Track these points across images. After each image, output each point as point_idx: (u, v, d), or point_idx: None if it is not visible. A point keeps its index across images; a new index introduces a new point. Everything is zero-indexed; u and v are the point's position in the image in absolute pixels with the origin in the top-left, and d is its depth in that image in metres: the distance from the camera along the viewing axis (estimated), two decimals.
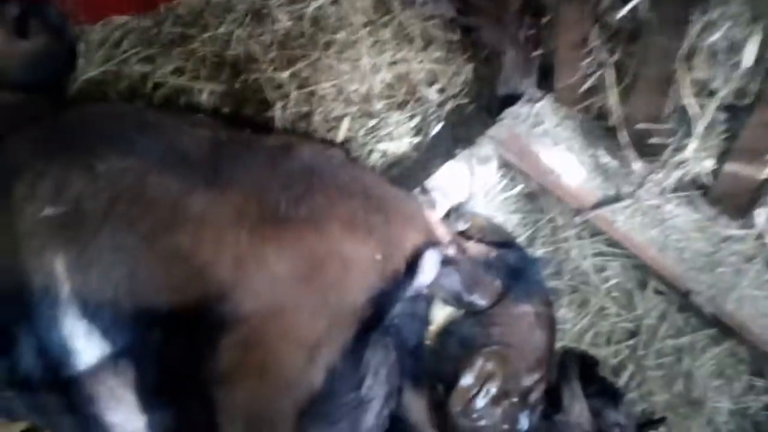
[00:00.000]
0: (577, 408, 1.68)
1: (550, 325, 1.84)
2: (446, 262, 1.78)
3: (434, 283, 1.76)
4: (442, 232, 1.81)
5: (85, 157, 1.51)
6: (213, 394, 1.44)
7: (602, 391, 1.73)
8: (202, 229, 1.49)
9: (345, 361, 1.53)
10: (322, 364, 1.46)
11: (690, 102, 1.58)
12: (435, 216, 1.92)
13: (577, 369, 1.75)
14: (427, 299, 1.82)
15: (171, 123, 1.75)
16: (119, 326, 1.42)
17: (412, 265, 1.66)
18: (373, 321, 1.57)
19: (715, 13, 1.48)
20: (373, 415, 1.60)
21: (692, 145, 1.63)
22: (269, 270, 1.49)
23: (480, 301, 1.78)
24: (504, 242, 1.94)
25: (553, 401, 1.73)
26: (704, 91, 1.62)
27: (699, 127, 1.60)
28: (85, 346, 1.43)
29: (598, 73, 1.89)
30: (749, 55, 1.43)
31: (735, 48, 1.51)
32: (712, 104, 1.57)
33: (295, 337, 1.47)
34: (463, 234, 1.95)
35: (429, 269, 1.73)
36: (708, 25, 1.52)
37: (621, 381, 1.84)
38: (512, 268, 1.83)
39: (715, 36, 1.51)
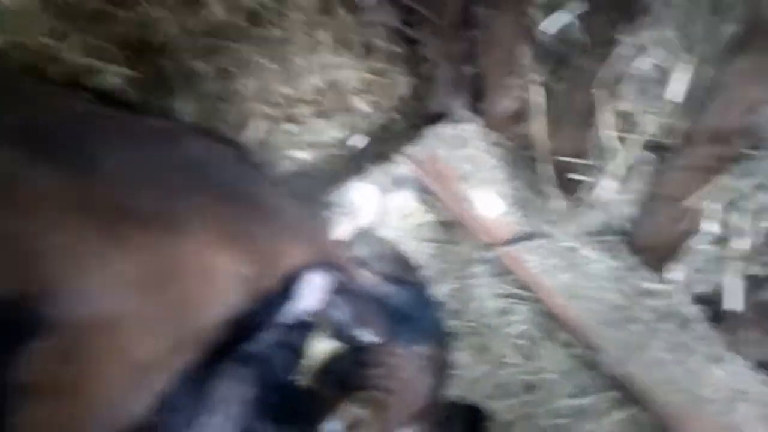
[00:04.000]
0: None
1: (441, 372, 1.65)
2: (336, 290, 1.59)
3: (318, 312, 1.57)
4: (335, 255, 1.62)
5: None
6: (12, 404, 1.22)
7: None
8: (38, 211, 1.29)
9: (182, 389, 1.32)
10: (152, 390, 1.25)
11: (609, 135, 1.41)
12: (331, 236, 1.73)
13: (462, 424, 1.56)
14: (306, 329, 1.63)
15: (37, 92, 1.56)
16: None
17: (290, 287, 1.47)
18: (227, 346, 1.37)
19: (645, 37, 1.33)
20: None
21: (609, 184, 1.47)
22: (111, 272, 1.29)
23: (369, 338, 1.59)
24: (404, 275, 1.76)
25: None
26: (630, 125, 1.46)
27: (618, 166, 1.43)
28: None
29: (525, 100, 1.73)
30: (677, 87, 1.27)
31: (666, 79, 1.36)
32: (636, 141, 1.41)
33: (125, 354, 1.25)
34: (361, 261, 1.76)
35: (311, 294, 1.54)
36: (638, 50, 1.36)
37: None
38: (406, 305, 1.65)
39: (644, 62, 1.35)
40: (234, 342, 1.40)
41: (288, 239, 1.47)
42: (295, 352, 1.57)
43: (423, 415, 1.56)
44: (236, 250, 1.36)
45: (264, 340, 1.47)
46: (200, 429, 1.35)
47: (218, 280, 1.34)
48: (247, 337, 1.43)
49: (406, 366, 1.59)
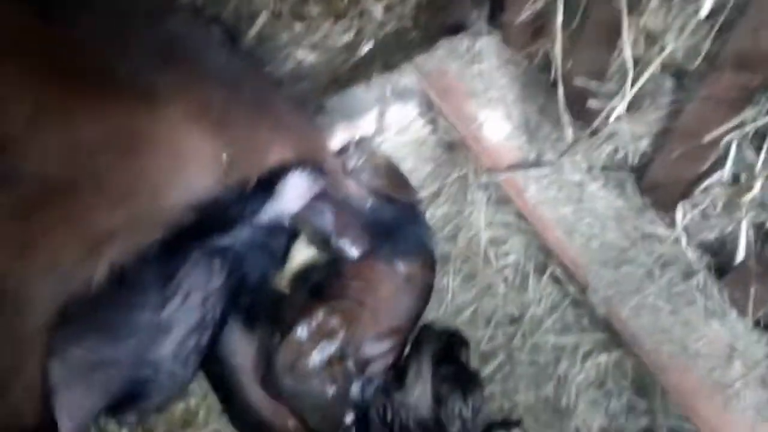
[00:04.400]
0: (419, 389, 1.43)
1: (422, 294, 1.58)
2: (322, 196, 1.50)
3: (301, 216, 1.49)
4: (325, 160, 1.52)
5: None
6: None
7: (457, 376, 1.48)
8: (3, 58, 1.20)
9: (144, 269, 1.26)
10: (107, 263, 1.19)
11: (627, 54, 1.27)
12: (323, 139, 1.63)
13: (433, 347, 1.50)
14: (288, 234, 1.55)
15: None
16: None
17: (269, 184, 1.38)
18: (195, 233, 1.30)
19: None
20: (171, 343, 1.34)
21: (619, 108, 1.33)
22: (74, 133, 1.20)
23: (350, 249, 1.52)
24: (397, 193, 1.67)
25: (399, 376, 1.49)
26: (651, 44, 1.31)
27: (633, 88, 1.29)
28: None
29: (547, 12, 1.57)
30: (704, 1, 1.11)
31: None
32: (655, 61, 1.27)
33: (80, 222, 1.19)
34: (352, 171, 1.67)
35: (292, 196, 1.45)
36: None
37: (487, 370, 1.59)
38: (392, 221, 1.56)
39: None
40: (206, 232, 1.33)
41: (272, 131, 1.38)
42: (272, 255, 1.51)
43: (394, 334, 1.51)
44: (210, 130, 1.26)
45: (238, 237, 1.40)
46: (164, 312, 1.30)
47: (187, 159, 1.25)
48: (220, 229, 1.36)
49: (385, 282, 1.52)
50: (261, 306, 1.50)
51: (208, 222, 1.29)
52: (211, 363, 1.46)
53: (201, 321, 1.37)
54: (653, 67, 1.28)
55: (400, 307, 1.52)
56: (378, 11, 2.10)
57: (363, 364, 1.45)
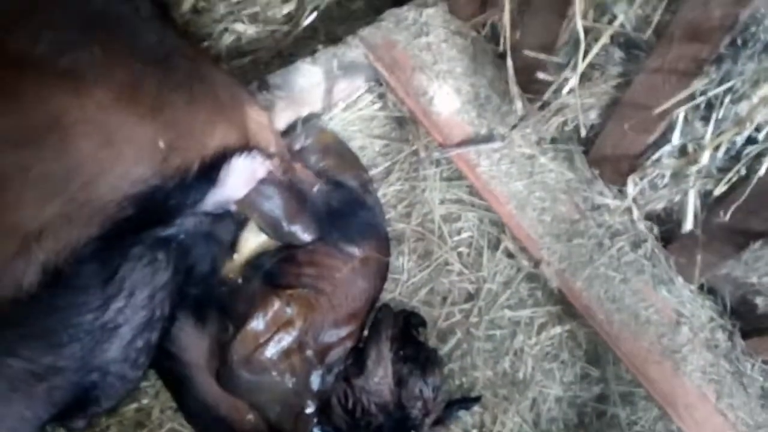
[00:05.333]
0: (380, 373, 1.42)
1: (378, 276, 1.56)
2: (269, 180, 1.44)
3: (248, 202, 1.42)
4: (270, 141, 1.45)
5: None
6: None
7: (416, 356, 1.47)
8: None
9: (80, 268, 1.17)
10: (39, 262, 1.10)
11: (579, 25, 1.25)
12: (267, 119, 1.55)
13: (391, 328, 1.48)
14: (235, 221, 1.48)
15: None
16: None
17: (212, 169, 1.30)
18: (133, 226, 1.21)
19: None
20: (118, 345, 1.27)
21: (572, 80, 1.32)
22: None
23: (302, 234, 1.46)
24: (347, 173, 1.62)
25: (358, 360, 1.47)
26: (604, 16, 1.29)
27: (584, 60, 1.28)
28: None
29: None
30: None
31: None
32: (606, 32, 1.25)
33: (5, 219, 1.10)
34: (300, 151, 1.60)
35: (237, 181, 1.38)
36: None
37: (445, 348, 1.59)
38: (343, 204, 1.52)
39: None
40: (147, 225, 1.25)
41: (212, 113, 1.29)
42: (219, 243, 1.45)
43: (352, 320, 1.48)
44: (144, 114, 1.17)
45: (181, 227, 1.32)
46: (107, 313, 1.23)
47: (121, 147, 1.16)
48: (161, 221, 1.28)
49: (341, 267, 1.49)
50: (211, 298, 1.44)
51: (147, 213, 1.21)
52: (163, 360, 1.40)
53: (149, 319, 1.30)
54: (605, 38, 1.27)
55: (357, 291, 1.49)
56: None
57: (322, 353, 1.42)
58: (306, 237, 1.46)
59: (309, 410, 1.38)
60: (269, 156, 1.41)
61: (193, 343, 1.43)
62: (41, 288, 1.09)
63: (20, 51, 1.12)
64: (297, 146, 1.60)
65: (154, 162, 1.20)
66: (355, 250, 1.50)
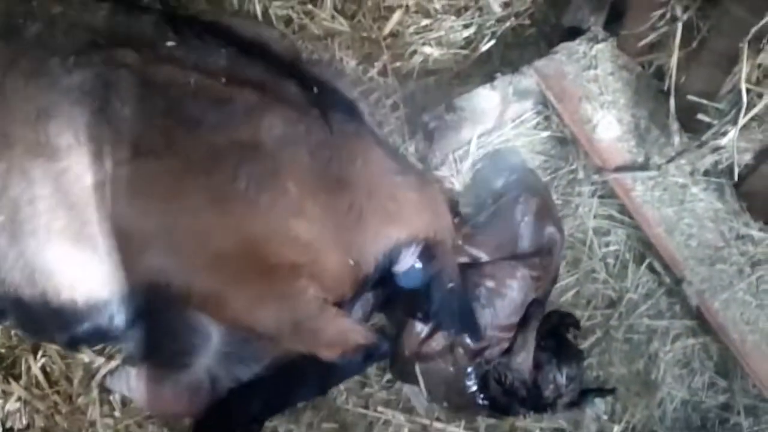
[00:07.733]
0: (522, 356, 1.69)
1: (543, 292, 1.78)
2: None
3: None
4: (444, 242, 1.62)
5: None
6: None
7: (557, 349, 1.74)
8: None
9: None
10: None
11: (743, 87, 1.43)
12: (443, 206, 1.69)
13: (538, 321, 1.73)
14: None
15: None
16: None
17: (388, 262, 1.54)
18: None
19: None
20: None
21: (732, 133, 1.51)
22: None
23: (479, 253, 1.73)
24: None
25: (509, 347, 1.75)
26: (765, 77, 1.46)
27: (745, 117, 1.46)
28: None
29: (666, 29, 1.72)
30: None
31: None
32: (766, 95, 1.43)
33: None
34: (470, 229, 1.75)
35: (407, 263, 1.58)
36: None
37: (586, 344, 1.84)
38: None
39: None
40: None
41: (383, 219, 1.50)
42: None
43: (510, 329, 1.69)
44: (337, 242, 1.45)
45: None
46: None
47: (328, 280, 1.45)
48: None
49: (515, 283, 1.69)
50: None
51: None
52: None
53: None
54: (766, 99, 1.44)
55: (522, 305, 1.71)
56: (496, 6, 2.27)
57: (477, 351, 1.70)
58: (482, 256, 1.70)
59: (473, 388, 1.67)
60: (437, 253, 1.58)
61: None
62: None
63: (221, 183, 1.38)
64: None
65: (351, 280, 1.50)
66: (525, 271, 1.72)
